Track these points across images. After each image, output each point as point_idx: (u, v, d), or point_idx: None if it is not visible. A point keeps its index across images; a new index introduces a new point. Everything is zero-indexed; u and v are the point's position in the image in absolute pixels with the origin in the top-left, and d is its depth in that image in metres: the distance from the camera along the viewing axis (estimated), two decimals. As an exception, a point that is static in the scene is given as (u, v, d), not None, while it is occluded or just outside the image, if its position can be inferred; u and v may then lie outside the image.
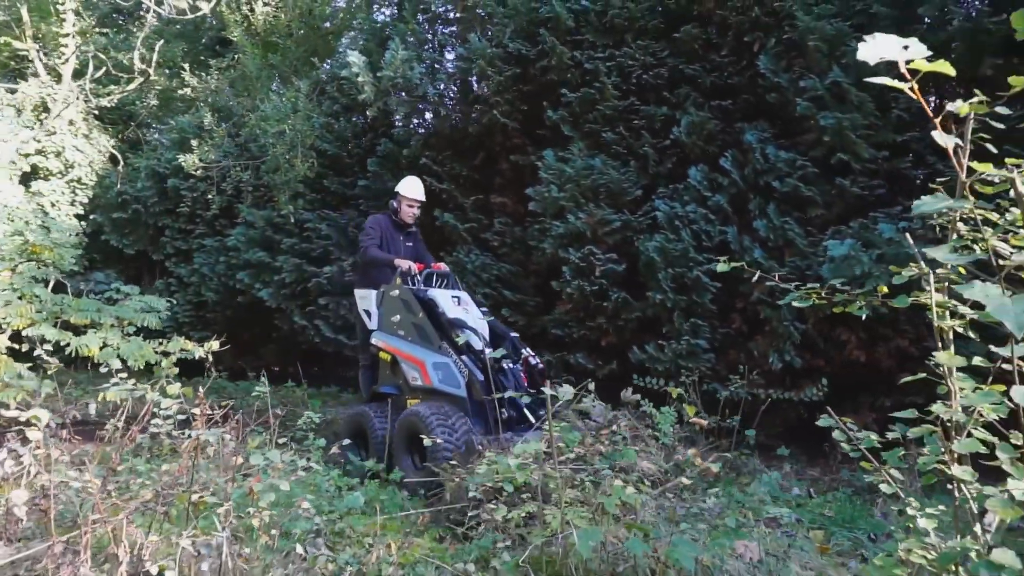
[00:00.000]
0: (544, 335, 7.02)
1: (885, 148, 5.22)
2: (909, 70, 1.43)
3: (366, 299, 5.80)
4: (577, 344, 6.75)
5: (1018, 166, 1.56)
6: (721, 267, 2.37)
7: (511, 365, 4.68)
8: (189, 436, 2.40)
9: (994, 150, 1.74)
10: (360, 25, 9.23)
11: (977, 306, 1.55)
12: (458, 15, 7.01)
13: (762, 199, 5.65)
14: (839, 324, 5.42)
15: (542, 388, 3.12)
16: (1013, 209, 1.80)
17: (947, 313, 1.77)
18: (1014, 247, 1.68)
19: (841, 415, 2.49)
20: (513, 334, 5.16)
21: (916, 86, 1.47)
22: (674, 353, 5.82)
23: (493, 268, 7.40)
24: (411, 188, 5.93)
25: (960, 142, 1.57)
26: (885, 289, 1.99)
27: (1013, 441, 1.67)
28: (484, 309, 5.41)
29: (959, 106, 1.54)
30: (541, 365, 4.82)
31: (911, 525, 1.83)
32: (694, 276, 5.70)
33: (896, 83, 1.48)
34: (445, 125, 7.33)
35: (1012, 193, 1.58)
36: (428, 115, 7.48)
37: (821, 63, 5.24)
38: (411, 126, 7.93)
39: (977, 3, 5.17)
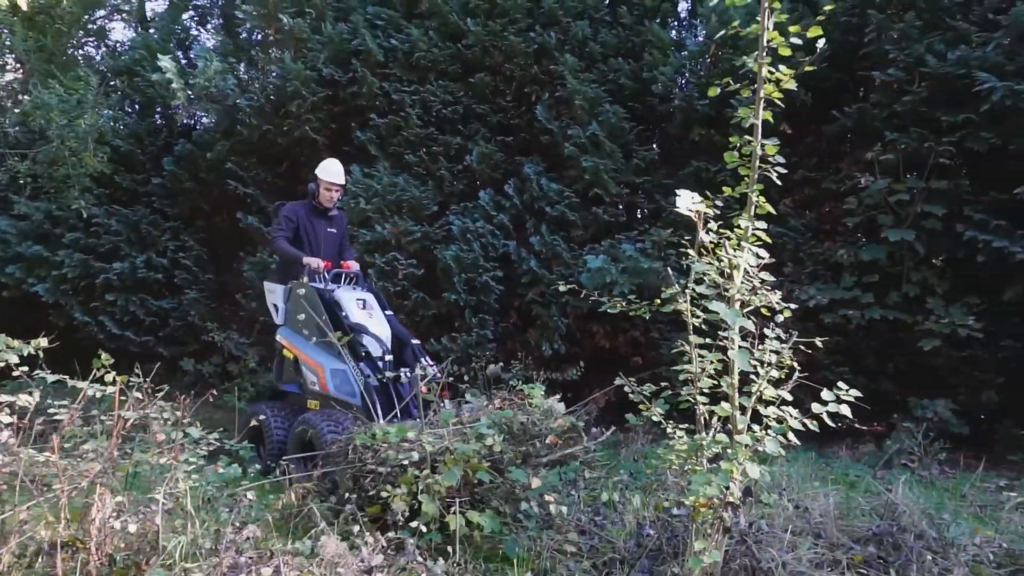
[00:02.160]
0: (347, 331, 7.79)
1: (627, 186, 6.86)
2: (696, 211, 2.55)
3: (274, 293, 5.67)
4: (377, 339, 7.62)
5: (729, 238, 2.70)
6: (610, 307, 3.22)
7: (408, 376, 4.72)
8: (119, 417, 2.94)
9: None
10: (159, 23, 9.20)
11: (708, 311, 2.66)
12: (273, 36, 7.54)
13: (536, 220, 7.01)
14: (592, 320, 6.94)
15: (441, 397, 3.48)
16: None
17: (691, 313, 2.87)
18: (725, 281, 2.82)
19: (591, 390, 3.74)
20: (414, 341, 5.16)
21: (700, 222, 2.57)
22: (465, 343, 6.95)
23: (298, 270, 7.99)
24: (329, 171, 5.65)
25: (703, 211, 2.65)
26: (659, 300, 2.99)
27: (725, 380, 2.82)
28: (388, 312, 5.44)
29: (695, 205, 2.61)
30: (439, 373, 4.73)
31: (674, 435, 2.99)
32: (483, 280, 6.89)
33: (690, 214, 2.57)
34: (254, 134, 7.79)
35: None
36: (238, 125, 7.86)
37: (584, 117, 6.74)
38: (213, 131, 8.21)
39: (688, 87, 6.97)
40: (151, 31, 9.05)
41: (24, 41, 9.54)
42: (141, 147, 8.86)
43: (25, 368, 3.20)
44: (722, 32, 4.24)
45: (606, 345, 7.04)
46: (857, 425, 3.36)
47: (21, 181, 8.26)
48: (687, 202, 2.51)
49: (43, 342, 4.99)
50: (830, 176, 6.36)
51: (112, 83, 9.04)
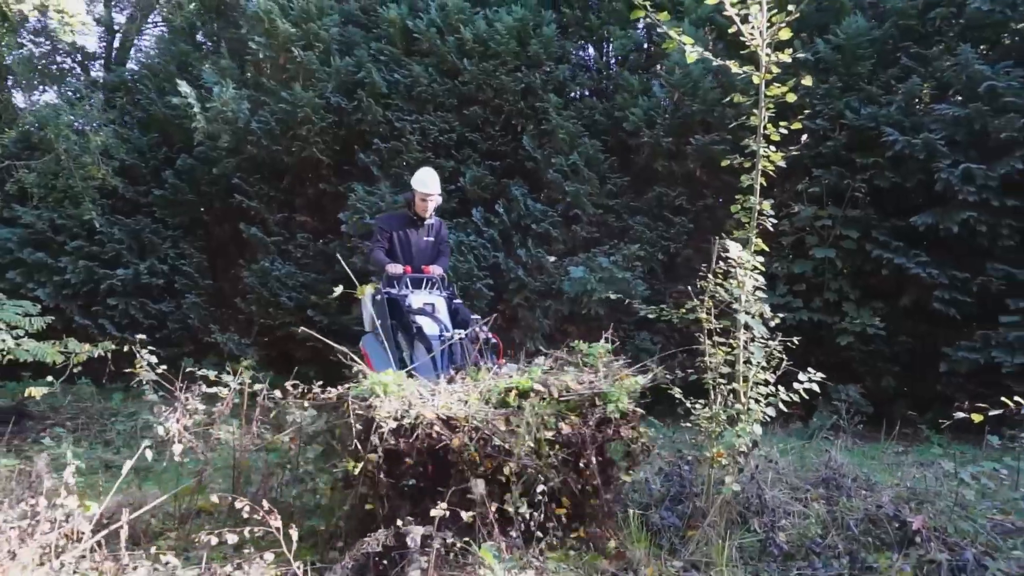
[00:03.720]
0: (346, 330, 8.63)
1: (601, 207, 8.04)
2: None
3: (365, 298, 5.65)
4: (376, 339, 8.52)
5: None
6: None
7: (463, 337, 4.64)
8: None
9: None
10: (165, 47, 9.75)
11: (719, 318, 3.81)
12: (284, 66, 8.33)
13: (522, 235, 8.10)
14: (569, 322, 8.08)
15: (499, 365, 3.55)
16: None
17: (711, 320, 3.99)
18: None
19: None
20: (474, 316, 5.09)
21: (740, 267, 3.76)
22: (460, 344, 7.97)
23: (299, 276, 8.80)
24: (423, 182, 5.64)
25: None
26: (684, 309, 4.10)
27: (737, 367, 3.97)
28: (457, 301, 5.56)
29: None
30: (494, 339, 4.73)
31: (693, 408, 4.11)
32: (476, 287, 7.92)
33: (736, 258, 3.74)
34: (262, 153, 8.56)
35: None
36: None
37: (565, 148, 7.88)
38: (221, 148, 8.88)
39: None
40: (152, 52, 9.61)
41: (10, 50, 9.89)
42: (143, 160, 9.44)
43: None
44: (728, 98, 5.07)
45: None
46: (786, 410, 4.59)
47: (30, 192, 8.71)
48: (736, 250, 3.66)
49: (110, 345, 5.73)
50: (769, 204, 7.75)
51: (111, 97, 9.57)
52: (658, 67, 7.91)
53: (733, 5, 3.69)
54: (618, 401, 3.53)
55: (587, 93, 8.18)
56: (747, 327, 3.86)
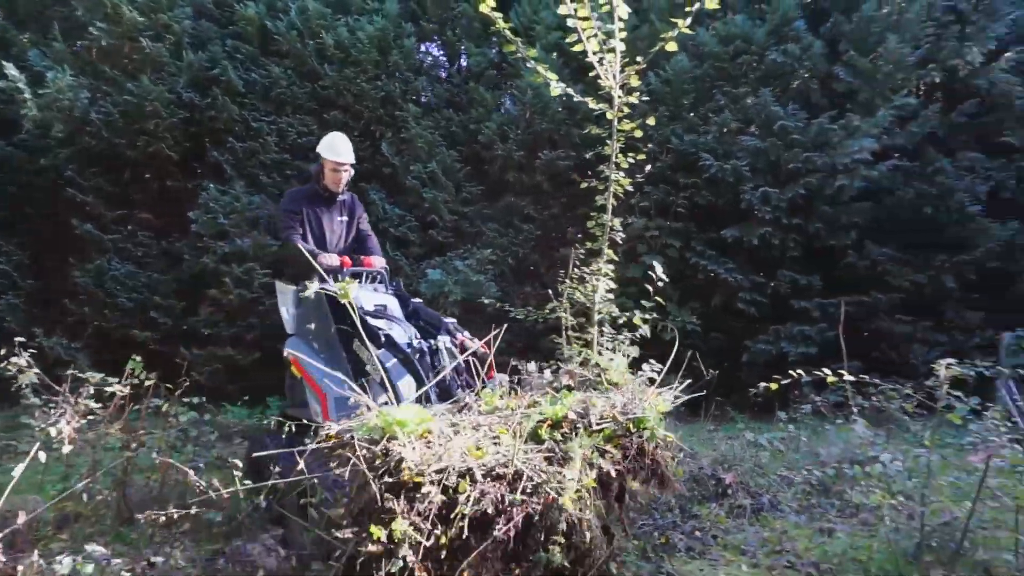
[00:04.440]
0: (195, 333, 8.43)
1: (456, 214, 8.54)
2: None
3: (284, 296, 4.89)
4: (227, 339, 8.39)
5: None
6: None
7: (448, 346, 4.09)
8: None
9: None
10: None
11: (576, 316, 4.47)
12: (129, 56, 7.97)
13: (381, 238, 8.37)
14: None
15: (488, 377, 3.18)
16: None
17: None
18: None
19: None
20: (448, 319, 4.49)
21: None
22: (317, 343, 8.10)
23: (140, 276, 8.45)
24: (335, 149, 4.87)
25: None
26: (547, 309, 4.70)
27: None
28: (417, 300, 4.82)
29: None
30: (483, 349, 4.06)
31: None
32: (335, 288, 8.10)
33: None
34: (101, 145, 8.14)
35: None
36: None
37: (423, 156, 8.30)
38: (50, 137, 8.31)
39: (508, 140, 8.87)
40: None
41: None
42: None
43: None
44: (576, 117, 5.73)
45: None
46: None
47: None
48: (660, 271, 4.25)
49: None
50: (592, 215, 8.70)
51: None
52: (512, 89, 8.55)
53: (594, 53, 4.35)
54: (654, 428, 3.12)
55: (445, 105, 8.64)
56: (600, 325, 4.53)
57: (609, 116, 4.74)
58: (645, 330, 4.82)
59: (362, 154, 8.68)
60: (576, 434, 2.91)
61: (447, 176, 8.33)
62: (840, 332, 4.84)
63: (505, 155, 8.29)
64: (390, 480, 2.66)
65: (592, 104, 4.75)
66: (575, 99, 4.84)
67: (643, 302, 4.96)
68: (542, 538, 2.71)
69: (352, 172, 5.04)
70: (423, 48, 9.18)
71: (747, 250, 8.13)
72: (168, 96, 7.97)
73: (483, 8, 5.15)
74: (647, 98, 5.25)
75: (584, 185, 4.88)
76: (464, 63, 9.05)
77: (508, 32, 5.32)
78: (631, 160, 4.69)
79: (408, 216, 8.38)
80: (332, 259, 4.58)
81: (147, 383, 4.11)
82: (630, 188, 4.70)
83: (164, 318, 8.36)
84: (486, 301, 5.30)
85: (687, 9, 5.09)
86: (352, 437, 2.81)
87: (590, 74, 4.75)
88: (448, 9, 9.10)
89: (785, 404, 6.29)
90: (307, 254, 4.31)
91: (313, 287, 3.96)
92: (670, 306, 8.27)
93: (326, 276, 4.34)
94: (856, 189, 8.16)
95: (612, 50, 4.74)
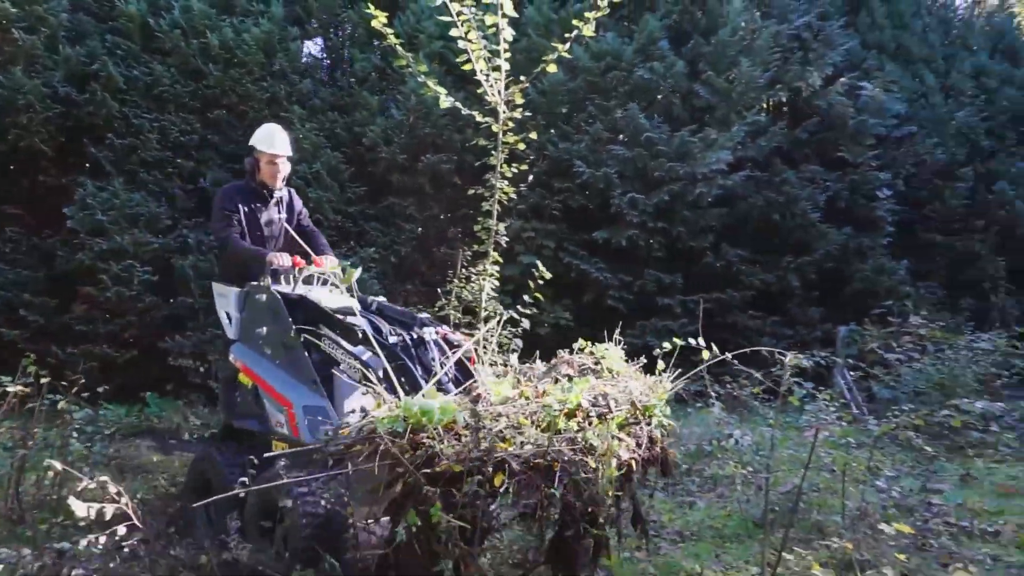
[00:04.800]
0: (68, 330, 8.26)
1: (341, 214, 8.79)
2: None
3: (225, 298, 4.44)
4: (102, 337, 8.27)
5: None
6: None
7: (433, 335, 3.87)
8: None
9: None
10: None
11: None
12: (1, 47, 7.76)
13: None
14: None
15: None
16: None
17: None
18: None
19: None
20: (421, 315, 4.20)
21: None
22: (200, 340, 8.14)
23: (8, 273, 8.21)
24: (267, 140, 4.59)
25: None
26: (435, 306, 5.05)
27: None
28: (381, 299, 4.44)
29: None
30: (464, 341, 3.94)
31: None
32: (219, 285, 8.17)
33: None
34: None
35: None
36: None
37: (308, 157, 8.50)
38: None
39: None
40: None
41: None
42: None
43: None
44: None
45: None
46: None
47: None
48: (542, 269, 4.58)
49: None
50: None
51: None
52: (397, 94, 8.89)
53: (482, 72, 4.87)
54: (660, 415, 3.21)
55: (330, 108, 8.86)
56: (486, 321, 4.98)
57: (495, 129, 5.29)
58: (526, 323, 5.36)
59: (245, 153, 8.78)
60: (590, 423, 2.93)
61: (332, 176, 8.57)
62: (700, 326, 5.45)
63: (389, 158, 8.62)
64: (428, 473, 2.62)
65: (479, 117, 5.29)
66: (463, 112, 5.37)
67: (525, 297, 5.49)
68: (582, 528, 2.81)
69: (290, 166, 4.78)
70: (306, 50, 9.38)
71: (616, 251, 8.79)
72: (43, 90, 7.82)
73: (375, 24, 5.59)
74: (528, 112, 5.84)
75: (471, 192, 5.37)
76: (349, 67, 9.29)
77: (399, 48, 5.78)
78: (515, 170, 5.24)
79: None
80: (284, 259, 4.20)
81: (42, 381, 4.15)
82: (514, 196, 5.22)
83: (35, 316, 8.16)
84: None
85: (566, 35, 5.80)
86: (375, 430, 2.74)
87: (479, 91, 5.31)
88: (333, 14, 9.35)
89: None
90: (252, 255, 4.30)
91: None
92: (545, 303, 8.83)
93: (278, 276, 4.20)
94: (713, 196, 8.99)
95: (497, 68, 5.30)
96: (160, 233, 8.24)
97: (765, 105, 10.05)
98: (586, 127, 8.88)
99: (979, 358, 8.64)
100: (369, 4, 5.59)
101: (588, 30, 5.71)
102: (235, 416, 4.25)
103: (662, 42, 9.15)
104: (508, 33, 5.36)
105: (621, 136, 8.93)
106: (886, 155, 10.37)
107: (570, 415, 2.95)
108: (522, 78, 5.59)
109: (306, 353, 3.75)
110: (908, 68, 11.37)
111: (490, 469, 2.63)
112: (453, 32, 5.22)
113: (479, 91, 5.47)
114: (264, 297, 4.01)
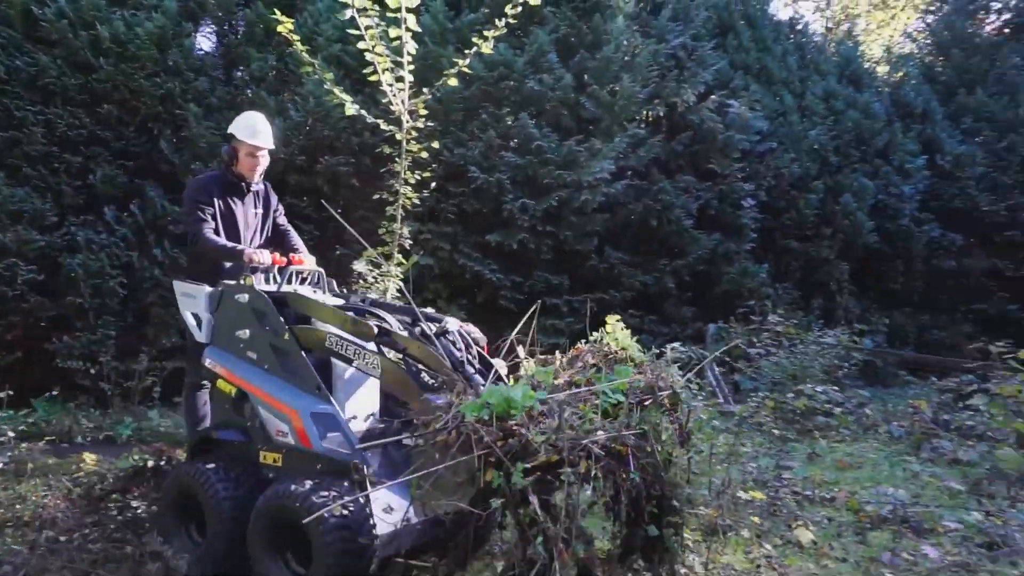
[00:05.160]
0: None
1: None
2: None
3: (193, 299, 4.12)
4: (-19, 338, 7.98)
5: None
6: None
7: (458, 326, 3.73)
8: None
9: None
10: None
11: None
12: None
13: (158, 235, 8.46)
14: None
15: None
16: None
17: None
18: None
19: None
20: (426, 309, 4.15)
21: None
22: (89, 340, 8.00)
23: None
24: (250, 130, 4.31)
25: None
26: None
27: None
28: (371, 296, 4.50)
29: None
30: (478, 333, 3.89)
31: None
32: (110, 286, 8.05)
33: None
34: None
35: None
36: None
37: (205, 156, 8.49)
38: None
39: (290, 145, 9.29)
40: None
41: None
42: None
43: None
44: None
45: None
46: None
47: None
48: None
49: None
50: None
51: None
52: (295, 95, 9.01)
53: (388, 84, 5.23)
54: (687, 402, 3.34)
55: (227, 107, 8.85)
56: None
57: (399, 137, 5.67)
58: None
59: (137, 149, 8.69)
60: (634, 410, 3.00)
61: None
62: (587, 325, 6.02)
63: (287, 159, 8.75)
64: (528, 464, 2.66)
65: (384, 125, 5.66)
66: (368, 120, 5.72)
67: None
68: (656, 511, 2.91)
69: (269, 159, 4.60)
70: (198, 46, 9.32)
71: (507, 253, 9.33)
72: (-92, 78, 7.44)
73: (281, 29, 5.85)
74: (427, 118, 6.26)
75: (376, 197, 5.69)
76: (246, 66, 9.30)
77: (305, 55, 6.05)
78: (418, 176, 5.63)
79: (189, 214, 8.53)
80: (263, 255, 4.01)
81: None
82: (417, 202, 5.60)
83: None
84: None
85: (466, 51, 6.29)
86: (464, 419, 2.78)
87: (384, 100, 5.68)
88: (229, 12, 9.33)
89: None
90: (228, 251, 4.12)
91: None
92: (441, 303, 9.26)
93: (263, 277, 3.98)
94: (597, 202, 9.70)
95: (401, 79, 5.71)
96: (46, 231, 8.02)
97: (644, 118, 10.87)
98: (480, 134, 9.35)
99: (825, 351, 9.85)
100: (272, 9, 5.87)
101: (487, 47, 6.22)
102: (216, 427, 3.97)
103: (551, 55, 9.73)
104: (412, 46, 5.79)
105: (513, 143, 9.45)
106: (750, 168, 11.49)
107: (617, 403, 3.06)
108: (424, 90, 6.04)
109: (304, 355, 3.61)
110: (770, 89, 12.59)
111: (576, 456, 2.70)
112: (361, 44, 5.60)
113: (384, 101, 5.86)
114: (246, 297, 3.78)
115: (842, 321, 11.68)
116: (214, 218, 4.29)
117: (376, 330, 3.50)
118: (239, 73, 9.17)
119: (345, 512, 3.01)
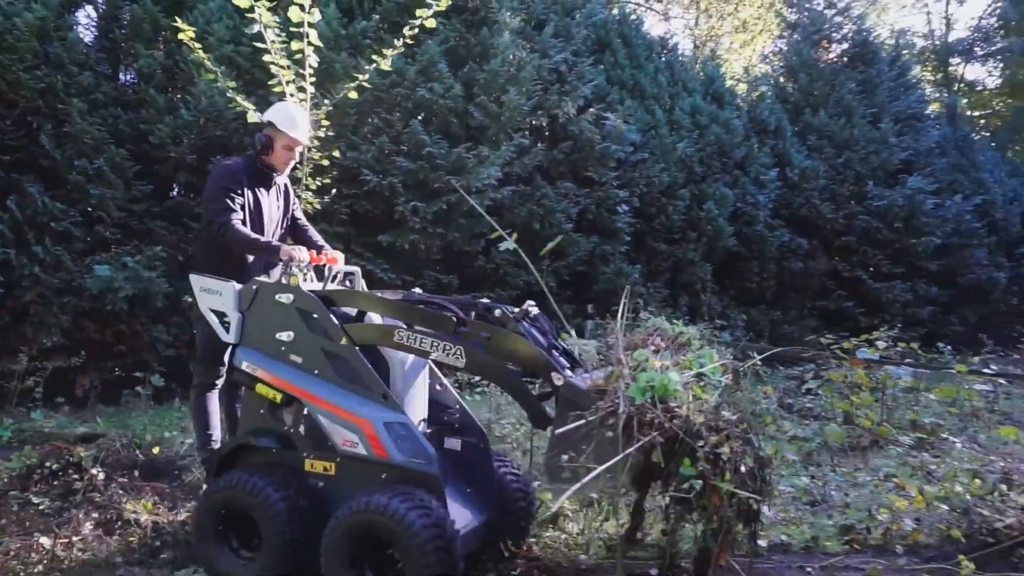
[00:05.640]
0: None
1: (123, 210, 8.73)
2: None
3: (218, 295, 3.79)
4: None
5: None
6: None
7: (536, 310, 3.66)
8: None
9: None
10: None
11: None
12: None
13: (39, 232, 8.24)
14: (86, 317, 8.49)
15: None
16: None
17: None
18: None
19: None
20: (482, 300, 3.87)
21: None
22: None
23: None
24: (290, 121, 4.16)
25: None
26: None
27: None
28: (417, 290, 4.18)
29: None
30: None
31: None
32: (-15, 282, 7.79)
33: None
34: None
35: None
36: None
37: (90, 153, 8.35)
38: None
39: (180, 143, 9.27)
40: None
41: None
42: None
43: None
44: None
45: (98, 337, 8.73)
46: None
47: None
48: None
49: None
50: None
51: None
52: (187, 95, 9.00)
53: (291, 95, 5.55)
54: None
55: (113, 103, 8.73)
56: None
57: (301, 146, 5.98)
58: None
59: (15, 144, 8.44)
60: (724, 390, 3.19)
61: (116, 174, 8.49)
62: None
63: (177, 157, 8.76)
64: (703, 446, 2.79)
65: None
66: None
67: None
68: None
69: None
70: (83, 40, 9.13)
71: (399, 253, 9.74)
72: None
73: (182, 36, 6.03)
74: (323, 123, 6.59)
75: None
76: (133, 63, 9.19)
77: (208, 62, 6.25)
78: (319, 182, 5.95)
79: (71, 211, 8.36)
80: (302, 253, 3.80)
81: None
82: (318, 207, 5.92)
83: None
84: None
85: (367, 67, 6.68)
86: (632, 402, 2.85)
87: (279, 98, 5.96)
88: (115, 6, 9.19)
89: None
90: (261, 246, 3.93)
91: (309, 286, 3.59)
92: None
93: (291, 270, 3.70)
94: (485, 207, 10.27)
95: (303, 89, 6.05)
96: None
97: (529, 128, 11.58)
98: (372, 139, 9.70)
99: (690, 344, 10.86)
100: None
101: (385, 64, 6.65)
102: (252, 433, 3.68)
103: (441, 65, 10.22)
104: (314, 59, 6.14)
105: (404, 148, 9.86)
106: (624, 176, 12.47)
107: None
108: (326, 101, 6.40)
109: (366, 360, 3.45)
110: (642, 103, 13.65)
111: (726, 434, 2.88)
112: (267, 57, 5.89)
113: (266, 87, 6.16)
114: (290, 297, 3.56)
115: (706, 317, 12.87)
116: (243, 208, 4.07)
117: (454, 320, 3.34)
118: (125, 69, 9.03)
119: (435, 523, 3.00)
